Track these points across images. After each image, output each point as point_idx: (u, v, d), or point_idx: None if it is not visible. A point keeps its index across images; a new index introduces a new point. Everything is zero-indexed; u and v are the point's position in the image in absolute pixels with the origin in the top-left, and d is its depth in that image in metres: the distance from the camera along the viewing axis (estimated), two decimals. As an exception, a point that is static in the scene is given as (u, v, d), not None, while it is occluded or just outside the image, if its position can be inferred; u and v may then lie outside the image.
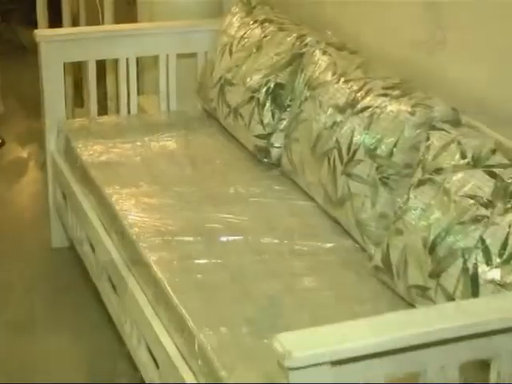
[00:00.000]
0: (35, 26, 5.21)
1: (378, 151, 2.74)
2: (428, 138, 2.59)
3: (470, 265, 2.25)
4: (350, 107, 2.92)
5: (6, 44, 6.50)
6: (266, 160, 3.43)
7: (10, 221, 4.30)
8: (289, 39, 3.46)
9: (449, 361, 1.88)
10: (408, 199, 2.52)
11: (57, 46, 3.81)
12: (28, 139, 5.18)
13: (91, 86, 3.94)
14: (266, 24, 3.64)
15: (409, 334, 1.79)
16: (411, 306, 2.48)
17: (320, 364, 1.72)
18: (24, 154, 5.10)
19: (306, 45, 3.38)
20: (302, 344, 1.72)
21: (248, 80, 3.51)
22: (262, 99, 3.42)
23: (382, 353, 1.78)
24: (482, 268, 2.23)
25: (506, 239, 2.21)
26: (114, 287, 3.09)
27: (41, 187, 4.46)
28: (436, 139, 2.56)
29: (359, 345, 1.75)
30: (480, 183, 2.36)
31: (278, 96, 3.39)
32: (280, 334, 1.73)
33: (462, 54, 2.97)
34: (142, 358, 2.79)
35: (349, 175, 2.84)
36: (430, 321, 1.83)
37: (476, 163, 2.41)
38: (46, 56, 3.80)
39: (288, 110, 3.37)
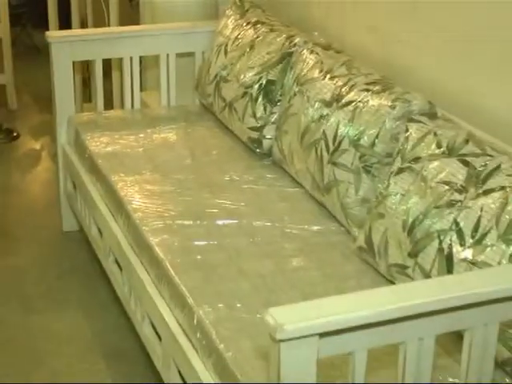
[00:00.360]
0: (47, 28, 5.20)
1: (361, 142, 2.74)
2: (407, 130, 2.59)
3: (445, 245, 2.26)
4: (335, 101, 2.91)
5: (20, 46, 6.47)
6: (258, 150, 3.42)
7: (25, 207, 4.29)
8: (279, 39, 3.45)
9: (426, 332, 1.88)
10: (388, 185, 2.53)
11: (66, 47, 3.80)
12: (40, 132, 5.18)
13: (98, 82, 3.93)
14: (258, 25, 3.63)
15: (390, 308, 1.79)
16: (391, 282, 2.49)
17: (309, 336, 1.72)
18: (37, 146, 5.09)
19: (295, 45, 3.37)
20: (292, 318, 1.72)
21: (242, 77, 3.50)
22: (254, 94, 3.41)
23: (365, 325, 1.78)
24: (456, 248, 2.23)
25: (478, 222, 2.21)
26: (119, 267, 3.09)
27: (52, 176, 4.46)
28: (414, 131, 2.56)
29: (345, 318, 1.75)
30: (454, 171, 2.36)
31: (269, 91, 3.39)
32: (272, 308, 1.74)
33: (441, 54, 2.97)
34: (145, 332, 2.79)
35: (334, 164, 2.83)
36: (409, 296, 1.84)
37: (450, 152, 2.41)
38: (56, 55, 3.79)
39: (278, 104, 3.36)
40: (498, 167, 2.29)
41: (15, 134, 5.17)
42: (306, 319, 1.72)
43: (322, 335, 1.74)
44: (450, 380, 2.13)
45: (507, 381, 2.13)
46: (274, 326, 1.70)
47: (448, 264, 2.24)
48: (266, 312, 1.73)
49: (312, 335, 1.72)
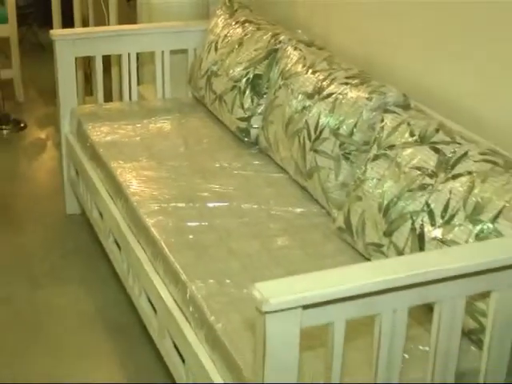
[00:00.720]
0: (51, 27, 5.17)
1: (341, 131, 2.74)
2: (382, 120, 2.58)
3: (417, 225, 2.26)
4: (317, 94, 2.90)
5: (27, 44, 6.44)
6: (246, 139, 3.41)
7: (31, 192, 4.27)
8: (265, 37, 3.43)
9: (399, 305, 1.88)
10: (366, 171, 2.52)
11: (69, 44, 3.77)
12: (46, 123, 5.15)
13: (98, 77, 3.90)
14: (246, 24, 3.61)
15: (366, 282, 1.79)
16: (368, 260, 2.49)
17: (292, 308, 1.72)
18: (42, 135, 5.06)
19: (280, 42, 3.35)
20: (276, 292, 1.71)
21: (231, 71, 3.49)
22: (242, 88, 3.40)
23: (344, 298, 1.78)
24: (427, 228, 2.24)
25: (447, 203, 2.21)
26: (118, 247, 3.08)
27: (56, 163, 4.44)
28: (389, 120, 2.56)
29: (325, 292, 1.75)
30: (426, 157, 2.36)
31: (256, 85, 3.37)
32: (258, 283, 1.73)
33: (417, 53, 2.97)
34: (142, 305, 2.78)
35: (316, 151, 2.83)
36: (384, 272, 1.84)
37: (422, 140, 2.41)
38: (60, 52, 3.76)
39: (265, 96, 3.35)
40: (466, 154, 2.29)
41: (22, 125, 5.14)
42: (289, 293, 1.72)
43: (305, 307, 1.74)
44: (421, 348, 2.13)
45: (472, 348, 2.14)
46: (260, 299, 1.69)
47: (420, 242, 2.24)
48: (253, 287, 1.72)
49: (295, 308, 1.72)
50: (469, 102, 2.69)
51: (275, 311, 1.70)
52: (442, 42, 2.80)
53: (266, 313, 1.69)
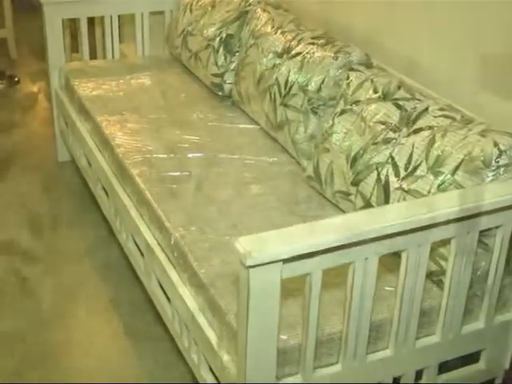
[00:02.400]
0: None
1: (309, 87, 2.53)
2: (348, 77, 2.38)
3: (382, 176, 2.09)
4: (286, 53, 2.69)
5: (19, 5, 6.08)
6: (220, 93, 3.19)
7: (26, 141, 4.02)
8: (236, 0, 3.19)
9: (371, 254, 1.73)
10: (333, 125, 2.33)
11: (57, 6, 3.50)
12: (37, 78, 4.86)
13: (84, 36, 3.64)
14: (218, -12, 3.36)
15: (341, 236, 1.63)
16: (336, 206, 2.32)
17: (274, 262, 1.55)
18: (35, 89, 4.78)
19: (250, 4, 3.12)
20: (259, 246, 1.54)
21: (205, 31, 3.24)
22: (216, 46, 3.16)
23: (321, 251, 1.62)
24: (392, 178, 2.07)
25: (410, 156, 2.05)
26: (106, 193, 2.87)
27: (49, 114, 4.17)
28: (354, 78, 2.36)
29: (303, 246, 1.59)
30: (389, 112, 2.18)
31: (228, 44, 3.14)
32: (241, 237, 1.55)
33: (369, 12, 2.76)
34: (130, 248, 2.59)
35: (286, 105, 2.62)
36: (357, 225, 1.67)
37: (385, 97, 2.23)
38: (48, 14, 3.48)
39: (237, 54, 3.12)
40: (426, 109, 2.12)
41: (16, 80, 4.86)
42: (271, 248, 1.55)
43: (285, 261, 1.57)
44: (387, 288, 1.98)
45: (434, 288, 2.00)
46: (243, 253, 1.52)
47: (385, 192, 2.07)
48: (236, 240, 1.55)
49: (277, 261, 1.55)
50: (426, 61, 2.49)
51: (258, 265, 1.53)
52: (398, 6, 2.59)
53: (250, 267, 1.52)
